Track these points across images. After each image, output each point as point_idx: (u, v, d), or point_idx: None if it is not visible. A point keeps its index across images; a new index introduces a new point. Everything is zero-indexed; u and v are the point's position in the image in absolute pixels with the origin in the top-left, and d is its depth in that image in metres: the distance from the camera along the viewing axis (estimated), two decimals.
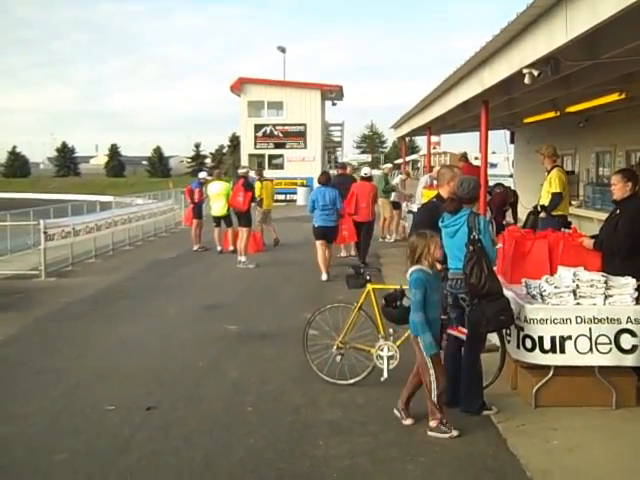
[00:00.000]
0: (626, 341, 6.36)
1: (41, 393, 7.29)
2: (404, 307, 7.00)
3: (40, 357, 8.68)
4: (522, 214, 18.63)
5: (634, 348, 6.36)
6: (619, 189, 7.10)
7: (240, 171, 17.06)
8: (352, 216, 15.09)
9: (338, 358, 7.30)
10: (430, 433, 5.93)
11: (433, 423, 5.95)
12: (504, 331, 6.75)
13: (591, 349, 6.39)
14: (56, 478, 5.37)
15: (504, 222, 17.08)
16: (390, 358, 7.07)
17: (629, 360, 6.40)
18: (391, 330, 7.20)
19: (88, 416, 6.61)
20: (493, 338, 7.05)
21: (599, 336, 6.38)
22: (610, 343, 6.37)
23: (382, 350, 7.11)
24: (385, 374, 7.04)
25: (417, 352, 6.07)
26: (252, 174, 19.40)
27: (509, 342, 6.77)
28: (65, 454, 5.73)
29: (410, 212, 15.14)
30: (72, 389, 7.44)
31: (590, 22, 5.94)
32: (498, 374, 6.93)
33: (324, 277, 13.83)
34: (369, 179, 16.39)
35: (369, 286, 7.33)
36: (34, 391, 7.38)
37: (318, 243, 14.08)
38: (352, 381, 7.26)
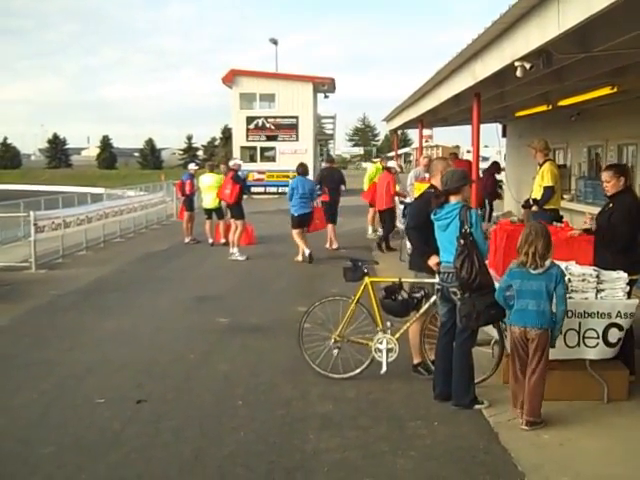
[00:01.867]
0: (613, 335, 6.38)
1: (31, 385, 7.24)
2: (404, 299, 6.99)
3: (30, 349, 8.63)
4: (511, 206, 18.70)
5: (619, 341, 6.40)
6: (613, 185, 7.02)
7: (230, 163, 17.06)
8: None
9: (335, 352, 7.25)
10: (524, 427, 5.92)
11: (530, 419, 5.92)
12: (502, 325, 6.70)
13: (579, 343, 6.40)
14: (44, 471, 5.32)
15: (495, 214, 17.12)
16: (389, 351, 7.06)
17: (612, 352, 6.43)
18: (388, 323, 7.19)
19: (78, 409, 6.58)
20: (493, 332, 7.04)
21: (587, 330, 6.39)
22: (598, 337, 6.38)
23: (381, 343, 7.09)
24: (384, 367, 7.03)
25: (542, 346, 5.89)
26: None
27: (506, 337, 6.74)
28: (54, 447, 5.70)
29: (402, 203, 15.14)
30: (62, 382, 7.40)
31: (583, 14, 5.90)
32: (496, 369, 6.94)
33: (307, 251, 15.12)
34: (389, 170, 17.28)
35: (367, 279, 7.29)
36: (24, 383, 7.34)
37: (295, 232, 15.28)
38: (346, 376, 7.22)
